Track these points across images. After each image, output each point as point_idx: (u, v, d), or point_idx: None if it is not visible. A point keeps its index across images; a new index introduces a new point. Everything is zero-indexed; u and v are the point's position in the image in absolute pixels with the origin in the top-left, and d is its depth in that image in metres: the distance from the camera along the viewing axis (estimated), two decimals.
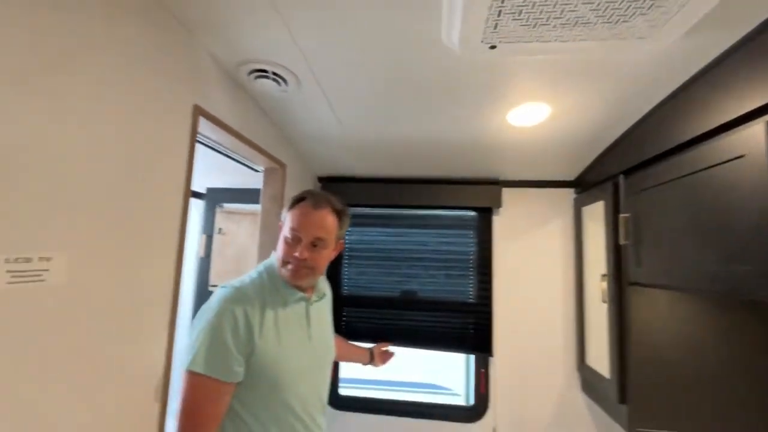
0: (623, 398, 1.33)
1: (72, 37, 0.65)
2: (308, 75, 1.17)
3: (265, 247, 1.60)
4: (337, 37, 0.99)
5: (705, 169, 0.98)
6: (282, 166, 1.60)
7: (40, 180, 0.61)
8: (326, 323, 1.14)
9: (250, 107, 1.32)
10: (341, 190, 2.00)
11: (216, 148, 1.36)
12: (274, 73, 1.16)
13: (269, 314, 0.93)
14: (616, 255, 1.42)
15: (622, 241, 1.37)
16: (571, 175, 1.89)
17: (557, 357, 1.86)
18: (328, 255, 1.00)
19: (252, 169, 1.66)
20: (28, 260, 0.60)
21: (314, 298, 1.06)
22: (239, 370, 0.86)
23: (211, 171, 1.89)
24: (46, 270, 0.63)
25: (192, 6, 0.90)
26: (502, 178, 1.95)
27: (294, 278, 0.97)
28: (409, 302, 1.97)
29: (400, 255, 2.01)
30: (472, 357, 1.96)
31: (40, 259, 0.62)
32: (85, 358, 0.70)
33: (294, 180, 1.76)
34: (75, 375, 0.68)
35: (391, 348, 1.62)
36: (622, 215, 1.38)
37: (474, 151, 1.66)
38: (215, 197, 2.04)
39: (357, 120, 1.46)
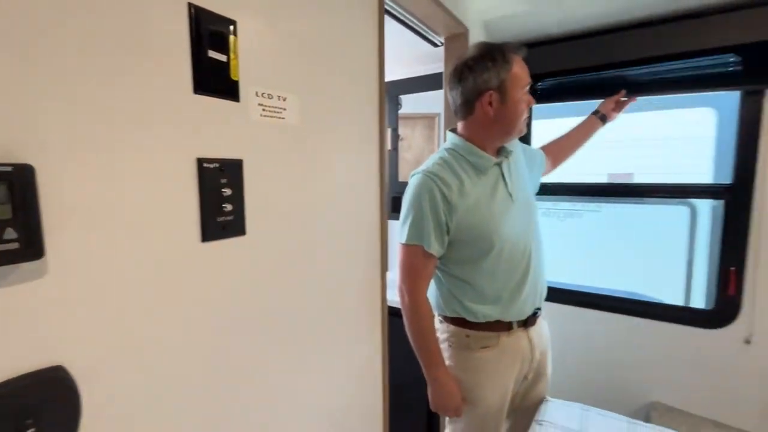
0: None
1: None
2: None
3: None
4: None
5: None
6: (464, 30, 1.41)
7: None
8: (524, 178, 1.13)
9: None
10: (538, 58, 1.62)
11: (393, 12, 1.26)
12: None
13: (467, 183, 0.99)
14: None
15: None
16: None
17: None
18: None
19: (431, 43, 1.52)
20: (270, 97, 0.64)
21: (501, 157, 1.06)
22: (442, 241, 0.98)
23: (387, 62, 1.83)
24: (284, 109, 0.67)
25: None
26: None
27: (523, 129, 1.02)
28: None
29: None
30: (705, 253, 1.53)
31: (278, 97, 0.66)
32: (312, 171, 0.76)
33: None
34: (309, 182, 0.76)
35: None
36: None
37: None
38: (394, 90, 2.01)
39: None
